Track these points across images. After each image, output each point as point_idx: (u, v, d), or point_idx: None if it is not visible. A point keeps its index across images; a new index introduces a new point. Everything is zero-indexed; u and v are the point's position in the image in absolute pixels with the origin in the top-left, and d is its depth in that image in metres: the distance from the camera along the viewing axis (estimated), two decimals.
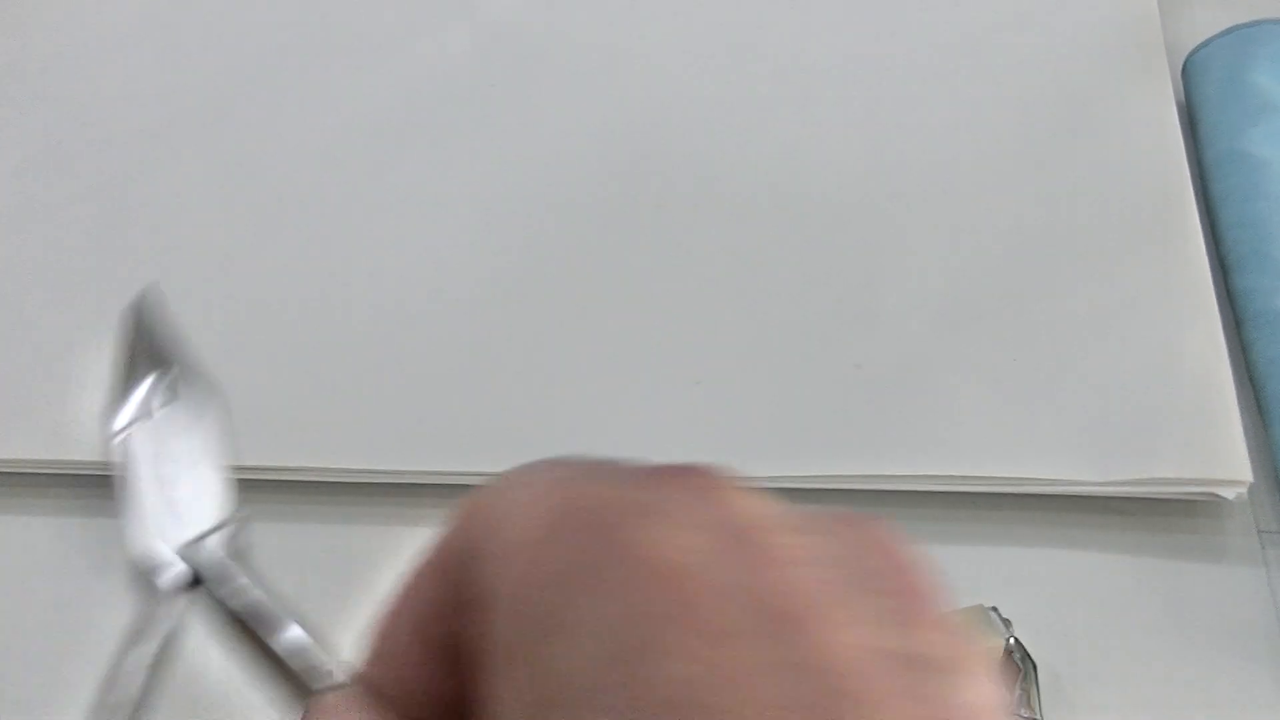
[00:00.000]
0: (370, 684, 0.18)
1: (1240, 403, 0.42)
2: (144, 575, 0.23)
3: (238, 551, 0.24)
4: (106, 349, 0.32)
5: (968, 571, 0.40)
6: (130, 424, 0.28)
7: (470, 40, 0.59)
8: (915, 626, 0.15)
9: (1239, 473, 0.40)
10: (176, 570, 0.23)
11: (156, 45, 0.61)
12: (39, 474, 0.45)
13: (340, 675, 0.20)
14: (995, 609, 0.38)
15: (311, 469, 0.44)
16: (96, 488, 0.43)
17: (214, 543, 0.24)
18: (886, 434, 0.43)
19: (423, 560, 0.18)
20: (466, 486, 0.19)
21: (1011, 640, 0.37)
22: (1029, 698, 0.37)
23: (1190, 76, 0.53)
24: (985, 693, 0.15)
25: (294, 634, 0.21)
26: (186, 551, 0.23)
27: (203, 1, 0.63)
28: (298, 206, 0.53)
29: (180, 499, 0.25)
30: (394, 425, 0.44)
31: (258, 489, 0.40)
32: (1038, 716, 0.37)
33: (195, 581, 0.23)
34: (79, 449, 0.44)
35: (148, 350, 0.29)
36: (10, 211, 0.54)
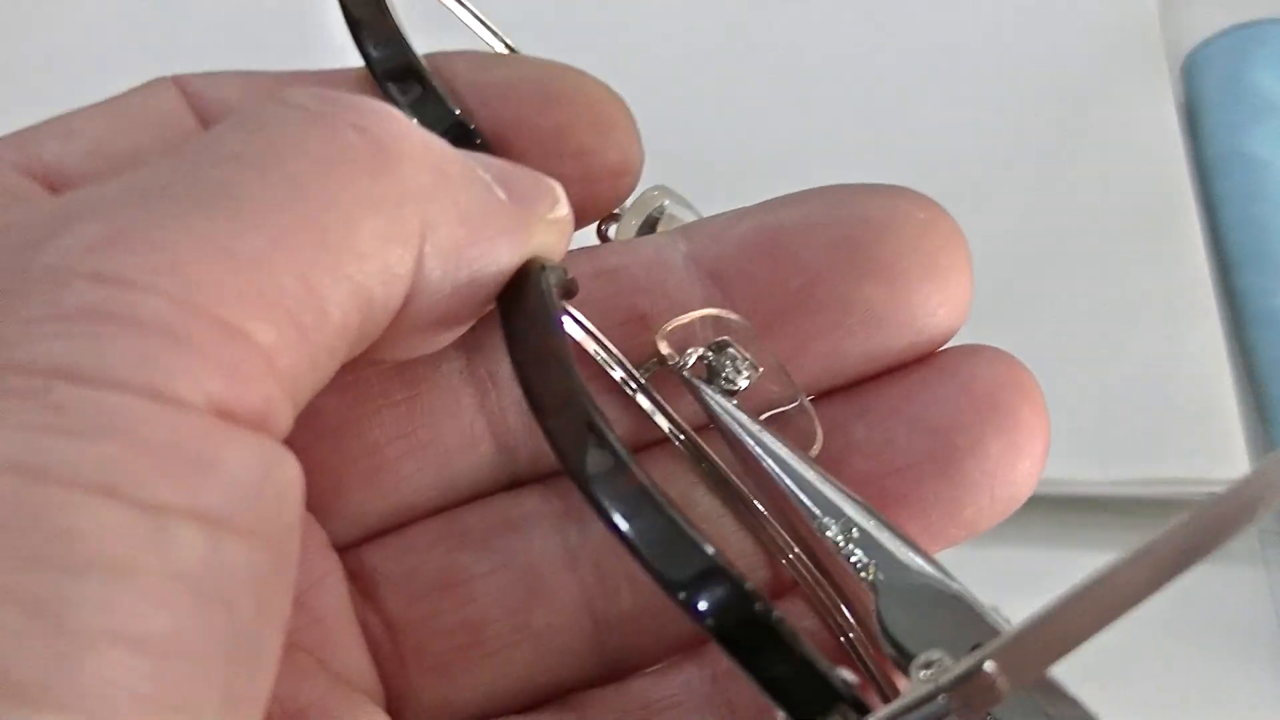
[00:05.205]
0: None
1: (1240, 403, 0.42)
2: None
3: None
4: None
5: (968, 571, 0.40)
6: None
7: None
8: None
9: (1239, 473, 0.40)
10: None
11: (158, 46, 0.61)
12: None
13: None
14: (995, 609, 0.38)
15: None
16: None
17: None
18: None
19: None
20: None
21: None
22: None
23: (1190, 76, 0.53)
24: None
25: None
26: None
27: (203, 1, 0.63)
28: None
29: None
30: None
31: None
32: None
33: None
34: None
35: None
36: None
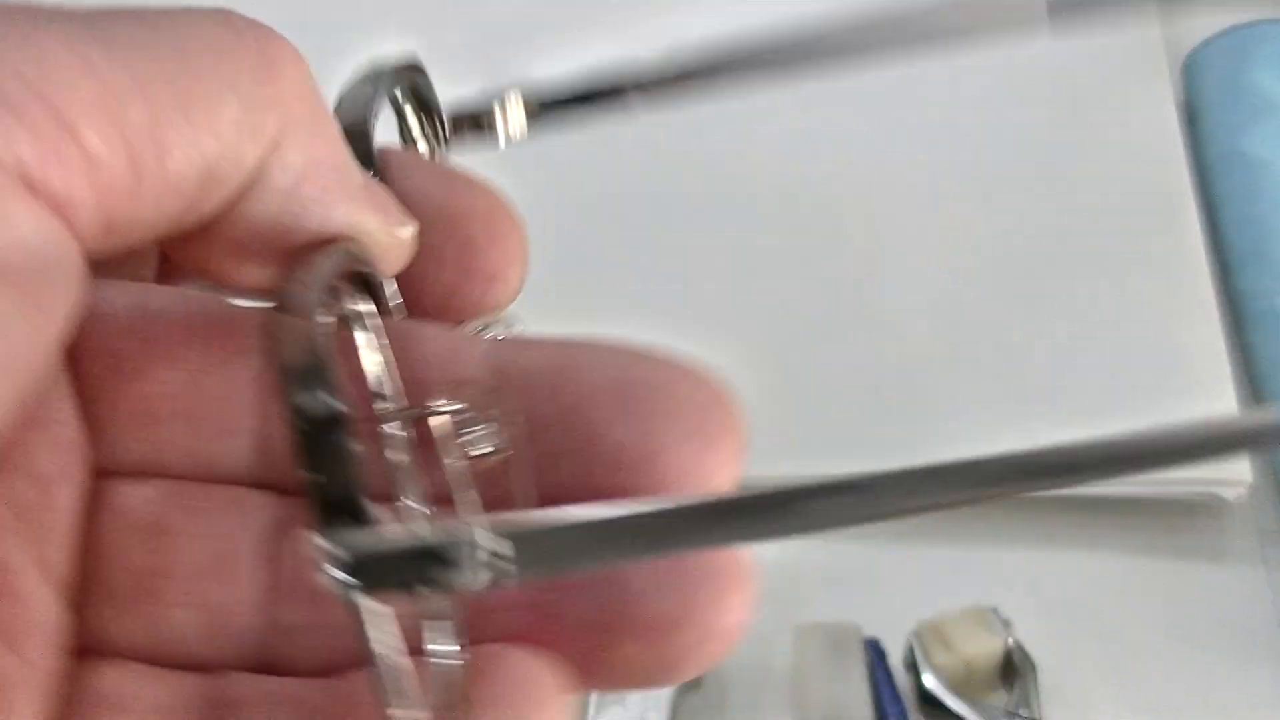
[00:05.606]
0: None
1: (1240, 403, 0.42)
2: None
3: None
4: None
5: (968, 571, 0.40)
6: None
7: None
8: None
9: (1239, 473, 0.40)
10: None
11: None
12: None
13: None
14: (995, 609, 0.38)
15: None
16: None
17: None
18: (886, 433, 0.43)
19: None
20: None
21: (1011, 640, 0.37)
22: (1029, 698, 0.37)
23: (1190, 76, 0.53)
24: None
25: None
26: None
27: None
28: None
29: None
30: None
31: None
32: (1038, 716, 0.37)
33: None
34: None
35: None
36: None
